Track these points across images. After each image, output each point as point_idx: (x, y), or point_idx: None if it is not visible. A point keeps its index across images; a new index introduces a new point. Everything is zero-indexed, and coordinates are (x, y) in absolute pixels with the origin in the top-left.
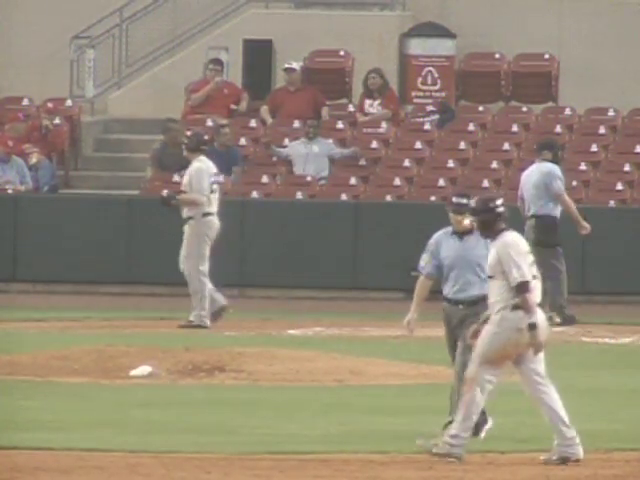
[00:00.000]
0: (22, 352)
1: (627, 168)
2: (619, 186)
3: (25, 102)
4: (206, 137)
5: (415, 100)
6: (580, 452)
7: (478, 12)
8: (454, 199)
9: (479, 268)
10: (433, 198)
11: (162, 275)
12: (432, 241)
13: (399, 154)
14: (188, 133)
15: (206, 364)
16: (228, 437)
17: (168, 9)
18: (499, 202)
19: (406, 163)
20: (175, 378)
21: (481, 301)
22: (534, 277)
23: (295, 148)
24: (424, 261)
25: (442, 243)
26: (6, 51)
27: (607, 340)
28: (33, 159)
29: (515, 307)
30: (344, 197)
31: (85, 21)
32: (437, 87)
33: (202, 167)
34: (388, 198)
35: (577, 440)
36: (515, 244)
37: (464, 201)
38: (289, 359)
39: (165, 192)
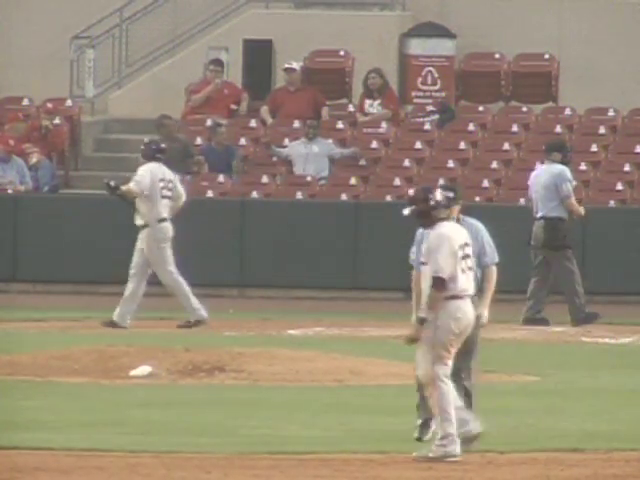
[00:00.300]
0: (22, 352)
1: (627, 168)
2: (619, 186)
3: (25, 102)
4: (163, 146)
5: (415, 100)
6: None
7: (478, 12)
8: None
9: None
10: None
11: None
12: (418, 233)
13: (399, 154)
14: (145, 140)
15: (206, 364)
16: (228, 437)
17: (168, 9)
18: (437, 193)
19: (406, 163)
20: (175, 378)
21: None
22: (469, 269)
23: (295, 148)
24: (414, 254)
25: (427, 235)
26: (6, 51)
27: (607, 340)
28: (33, 159)
29: (450, 297)
30: (344, 197)
31: (85, 21)
32: (437, 87)
33: (152, 169)
34: (388, 198)
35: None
36: (447, 237)
37: (451, 195)
38: (289, 359)
39: (112, 182)
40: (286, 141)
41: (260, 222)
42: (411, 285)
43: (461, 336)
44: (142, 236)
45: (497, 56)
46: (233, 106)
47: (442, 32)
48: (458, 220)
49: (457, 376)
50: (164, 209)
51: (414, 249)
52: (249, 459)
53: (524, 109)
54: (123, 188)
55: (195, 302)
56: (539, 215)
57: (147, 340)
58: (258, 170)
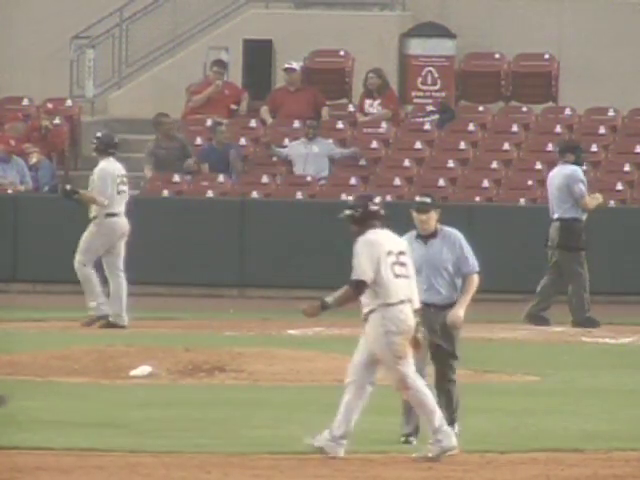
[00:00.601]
0: (22, 352)
1: (627, 168)
2: (619, 186)
3: (25, 102)
4: (116, 140)
5: (415, 100)
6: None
7: (478, 12)
8: (417, 198)
9: (446, 272)
10: None
11: (162, 275)
12: (407, 236)
13: (399, 154)
14: (98, 134)
15: (206, 364)
16: (228, 437)
17: (168, 9)
18: (376, 201)
19: (406, 163)
20: (175, 378)
21: (450, 306)
22: (405, 277)
23: (295, 148)
24: None
25: (409, 246)
26: (6, 51)
27: (607, 340)
28: (33, 159)
29: (389, 304)
30: (344, 197)
31: (85, 21)
32: (437, 87)
33: (107, 168)
34: (388, 198)
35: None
36: (374, 242)
37: (428, 200)
38: (289, 359)
39: (68, 186)
40: (286, 141)
41: (260, 222)
42: None
43: (408, 336)
44: (90, 227)
45: (497, 56)
46: (233, 106)
47: (442, 32)
48: (436, 229)
49: (442, 379)
50: (118, 204)
51: None
52: (249, 459)
53: (524, 109)
54: (82, 194)
55: (101, 299)
56: (555, 216)
57: (147, 340)
58: (258, 170)
